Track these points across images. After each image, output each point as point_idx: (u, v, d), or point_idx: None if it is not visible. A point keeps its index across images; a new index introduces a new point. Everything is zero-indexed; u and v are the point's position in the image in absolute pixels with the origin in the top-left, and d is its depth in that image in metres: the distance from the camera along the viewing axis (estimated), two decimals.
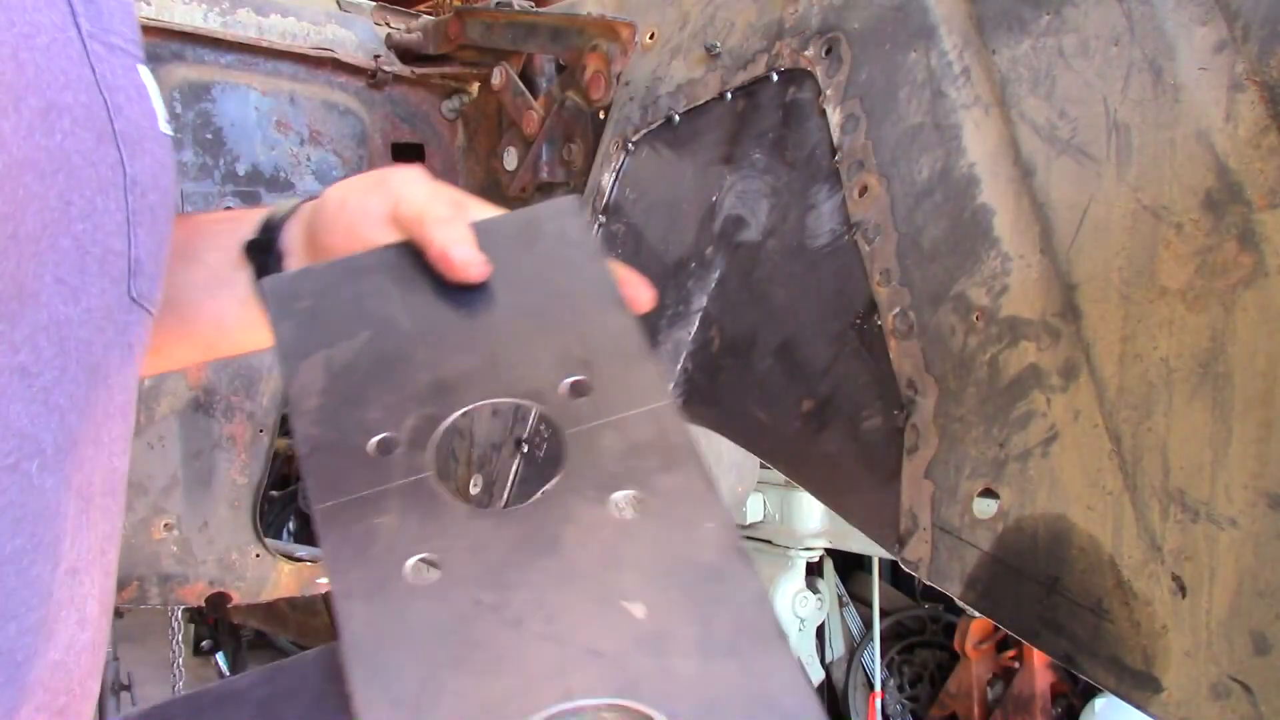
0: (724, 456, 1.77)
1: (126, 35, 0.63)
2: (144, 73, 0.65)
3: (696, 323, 1.12)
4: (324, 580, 1.71)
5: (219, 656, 4.47)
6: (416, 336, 0.64)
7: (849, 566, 3.94)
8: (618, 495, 0.54)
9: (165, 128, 0.66)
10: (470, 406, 0.61)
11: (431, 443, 0.58)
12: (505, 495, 1.39)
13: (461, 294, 0.65)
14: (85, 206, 0.56)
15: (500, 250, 0.66)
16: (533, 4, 1.60)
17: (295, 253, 0.76)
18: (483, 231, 0.67)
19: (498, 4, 1.54)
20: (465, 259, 0.64)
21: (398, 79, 1.68)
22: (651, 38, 1.26)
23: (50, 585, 0.56)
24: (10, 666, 0.53)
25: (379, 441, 0.59)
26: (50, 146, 0.53)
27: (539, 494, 0.55)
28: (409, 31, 1.70)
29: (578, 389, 0.59)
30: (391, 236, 0.69)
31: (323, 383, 0.62)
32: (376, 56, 1.66)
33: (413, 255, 0.67)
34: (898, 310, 0.91)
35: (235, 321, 0.79)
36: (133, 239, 0.60)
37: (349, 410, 0.61)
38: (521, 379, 0.61)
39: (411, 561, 0.53)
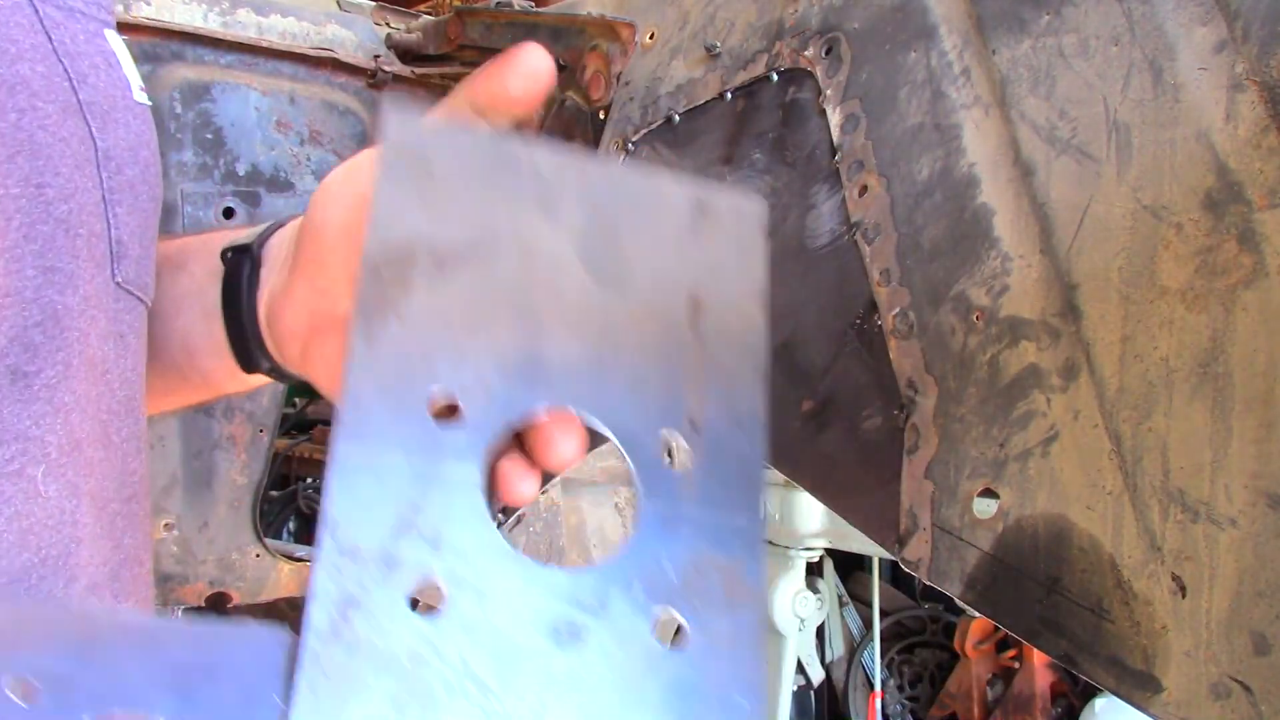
0: None
1: None
2: (113, 38, 0.59)
3: None
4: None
5: None
6: (531, 279, 0.51)
7: (849, 566, 3.94)
8: (662, 615, 0.47)
9: (141, 97, 0.60)
10: (545, 413, 0.50)
11: (492, 444, 0.48)
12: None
13: (602, 248, 0.53)
14: (64, 187, 0.51)
15: (663, 218, 0.54)
16: (533, 4, 1.60)
17: (277, 257, 0.65)
18: (646, 183, 0.54)
19: (498, 4, 1.54)
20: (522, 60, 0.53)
21: (398, 79, 1.68)
22: (651, 38, 1.26)
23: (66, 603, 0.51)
24: None
25: (441, 407, 0.48)
26: (3, 129, 0.49)
27: (588, 561, 0.50)
28: (409, 31, 1.70)
29: (674, 453, 0.50)
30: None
31: (415, 279, 0.48)
32: (376, 56, 1.66)
33: (575, 170, 0.53)
34: (898, 310, 0.91)
35: (200, 341, 0.68)
36: (111, 219, 0.56)
37: (422, 340, 0.48)
38: (621, 404, 0.50)
39: (413, 585, 0.44)
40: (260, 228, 0.68)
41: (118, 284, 0.57)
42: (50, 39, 0.54)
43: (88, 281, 0.53)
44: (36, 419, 0.50)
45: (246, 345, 0.66)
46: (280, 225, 0.66)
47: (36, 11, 0.53)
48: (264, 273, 0.65)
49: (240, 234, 0.68)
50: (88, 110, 0.55)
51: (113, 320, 0.56)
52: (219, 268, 0.67)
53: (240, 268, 0.65)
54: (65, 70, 0.54)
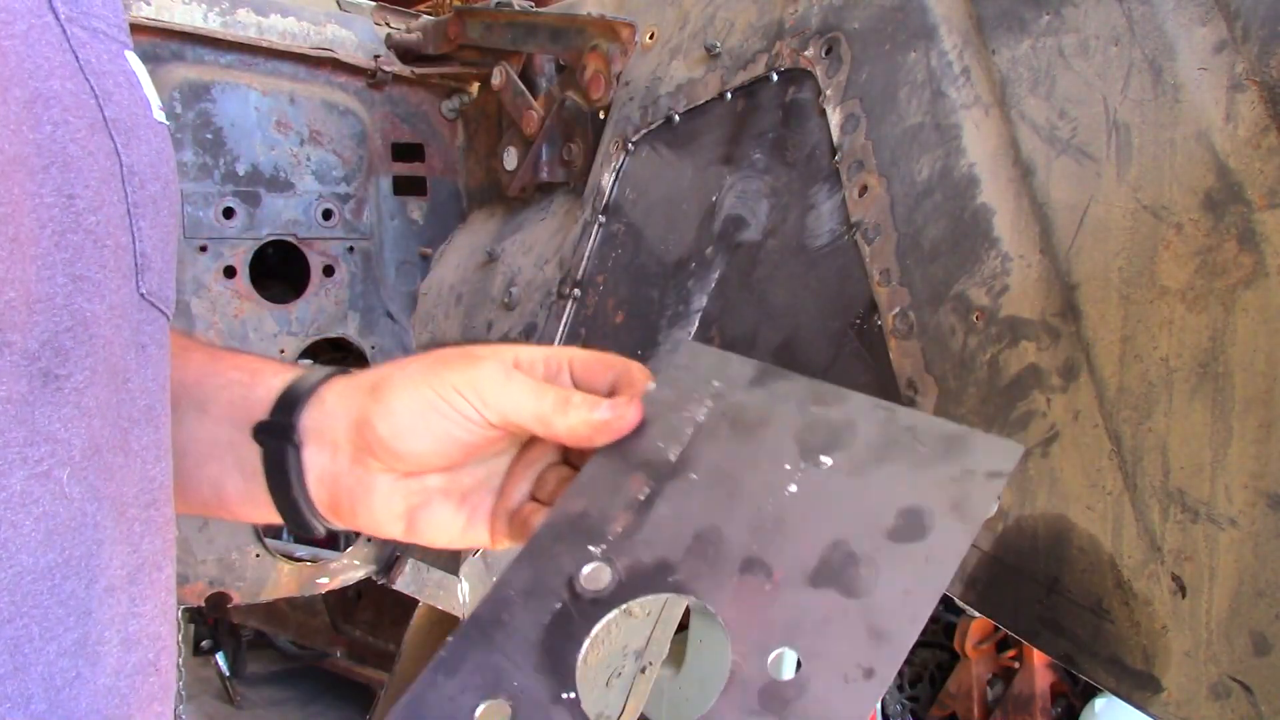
0: None
1: (109, 20, 0.60)
2: (132, 59, 0.62)
3: (696, 323, 1.12)
4: (324, 580, 1.71)
5: (219, 656, 4.47)
6: (704, 479, 0.63)
7: None
8: None
9: (160, 116, 0.63)
10: (673, 596, 0.59)
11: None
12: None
13: (794, 460, 0.62)
14: (93, 199, 0.53)
15: (901, 457, 0.60)
16: (533, 4, 1.60)
17: (320, 441, 0.73)
18: (905, 426, 0.61)
19: (498, 4, 1.54)
20: (612, 412, 0.67)
21: (398, 79, 1.68)
22: (651, 38, 1.26)
23: (87, 603, 0.52)
24: (50, 692, 0.50)
25: (593, 570, 0.60)
26: (39, 140, 0.51)
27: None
28: (409, 31, 1.70)
29: (769, 690, 0.52)
30: (488, 434, 0.70)
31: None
32: (376, 56, 1.66)
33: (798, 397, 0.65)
34: (898, 310, 0.91)
35: (236, 494, 0.75)
36: (136, 233, 0.58)
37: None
38: (748, 607, 0.56)
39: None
40: (274, 385, 0.76)
41: (142, 295, 0.58)
42: (77, 57, 0.55)
43: (114, 292, 0.55)
44: (65, 422, 0.51)
45: (303, 519, 0.75)
46: (302, 401, 0.74)
47: (64, 31, 0.55)
48: (307, 455, 0.73)
49: (258, 382, 0.76)
50: (113, 127, 0.56)
51: (136, 331, 0.58)
52: (247, 429, 0.74)
53: (284, 454, 0.73)
54: (92, 88, 0.56)
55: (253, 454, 0.74)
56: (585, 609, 0.59)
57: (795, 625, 0.54)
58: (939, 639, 3.81)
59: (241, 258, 1.56)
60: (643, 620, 1.71)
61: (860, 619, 0.54)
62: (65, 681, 0.51)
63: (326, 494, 0.74)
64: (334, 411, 0.73)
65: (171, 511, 0.62)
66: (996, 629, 3.46)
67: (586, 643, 0.57)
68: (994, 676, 3.59)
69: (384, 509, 0.73)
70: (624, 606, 0.59)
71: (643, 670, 1.75)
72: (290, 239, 1.60)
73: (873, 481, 0.59)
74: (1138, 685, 0.73)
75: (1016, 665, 3.49)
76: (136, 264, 0.58)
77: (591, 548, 0.62)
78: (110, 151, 0.56)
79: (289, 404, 0.74)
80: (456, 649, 0.58)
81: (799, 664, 0.53)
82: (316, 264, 1.63)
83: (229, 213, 1.54)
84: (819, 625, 0.54)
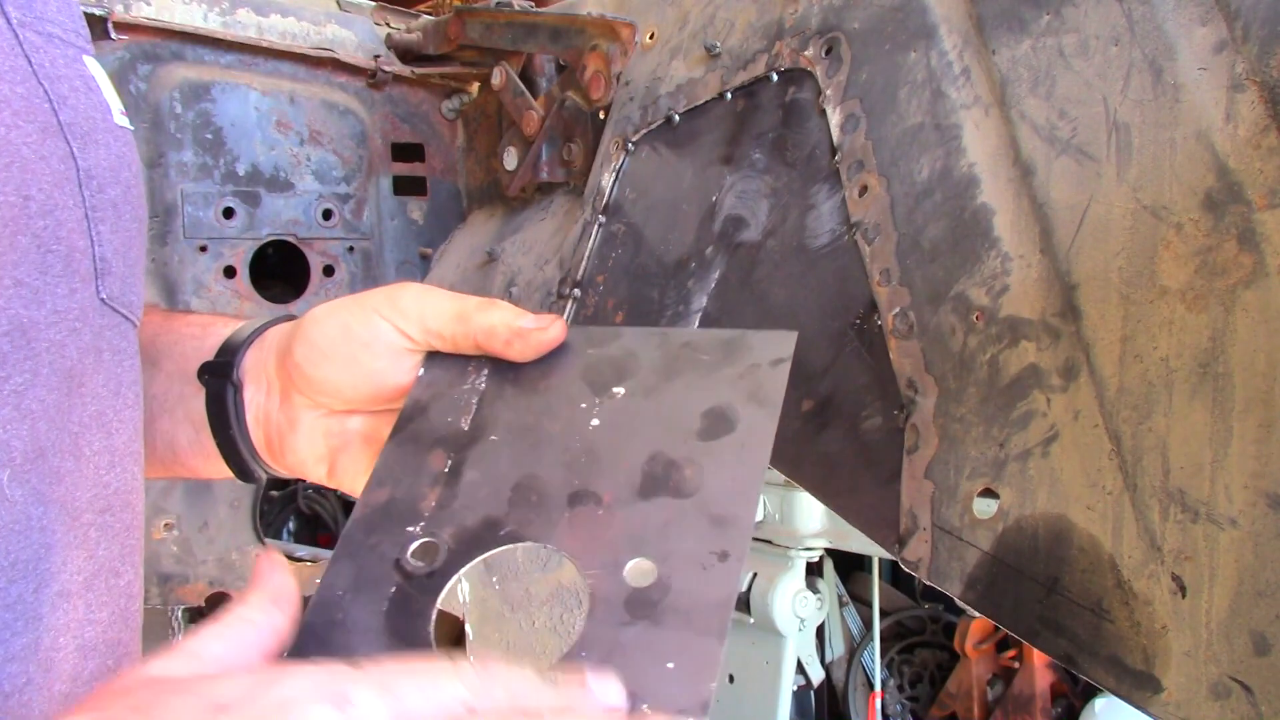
0: None
1: (66, 25, 0.59)
2: (92, 64, 0.61)
3: (696, 323, 1.12)
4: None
5: None
6: (515, 433, 0.63)
7: (849, 566, 3.94)
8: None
9: (122, 120, 0.62)
10: (510, 547, 0.58)
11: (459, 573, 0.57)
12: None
13: (598, 393, 0.63)
14: (45, 202, 0.53)
15: (687, 370, 0.64)
16: (533, 4, 1.60)
17: (258, 380, 0.72)
18: (682, 343, 0.65)
19: (498, 4, 1.54)
20: (536, 322, 0.65)
21: (398, 79, 1.68)
22: (651, 38, 1.26)
23: (36, 608, 0.51)
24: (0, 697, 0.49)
25: (418, 546, 0.59)
26: None
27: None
28: (409, 31, 1.70)
29: (633, 598, 0.53)
30: (403, 364, 0.68)
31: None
32: (376, 56, 1.66)
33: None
34: (898, 310, 0.91)
35: (188, 445, 0.75)
36: (95, 236, 0.57)
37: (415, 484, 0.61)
38: (588, 534, 0.57)
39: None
40: (224, 334, 0.75)
41: (102, 300, 0.57)
42: (30, 62, 0.55)
43: (64, 297, 0.54)
44: (4, 423, 0.50)
45: (242, 460, 0.74)
46: (245, 342, 0.73)
47: (16, 36, 0.54)
48: (248, 395, 0.73)
49: (209, 334, 0.75)
50: (68, 131, 0.56)
51: (96, 335, 0.57)
52: (194, 378, 0.73)
53: (224, 392, 0.72)
54: (45, 92, 0.55)
55: (200, 403, 0.73)
56: (422, 584, 0.58)
57: (639, 537, 0.56)
58: (939, 639, 3.81)
59: (241, 258, 1.56)
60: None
61: (699, 513, 0.56)
62: (15, 688, 0.50)
63: (262, 434, 0.73)
64: (270, 349, 0.73)
65: (132, 518, 0.61)
66: (996, 629, 3.46)
67: (434, 614, 0.56)
68: (994, 676, 3.59)
69: (307, 448, 0.72)
70: (463, 571, 0.58)
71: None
72: (290, 239, 1.60)
73: (668, 396, 0.63)
74: (1138, 685, 0.73)
75: (1016, 665, 3.49)
76: (96, 269, 0.57)
77: (410, 528, 0.61)
78: (65, 155, 0.55)
79: (233, 346, 0.74)
80: (295, 660, 0.56)
81: (655, 570, 0.54)
82: (316, 264, 1.63)
83: (229, 213, 1.54)
84: (662, 530, 0.56)
